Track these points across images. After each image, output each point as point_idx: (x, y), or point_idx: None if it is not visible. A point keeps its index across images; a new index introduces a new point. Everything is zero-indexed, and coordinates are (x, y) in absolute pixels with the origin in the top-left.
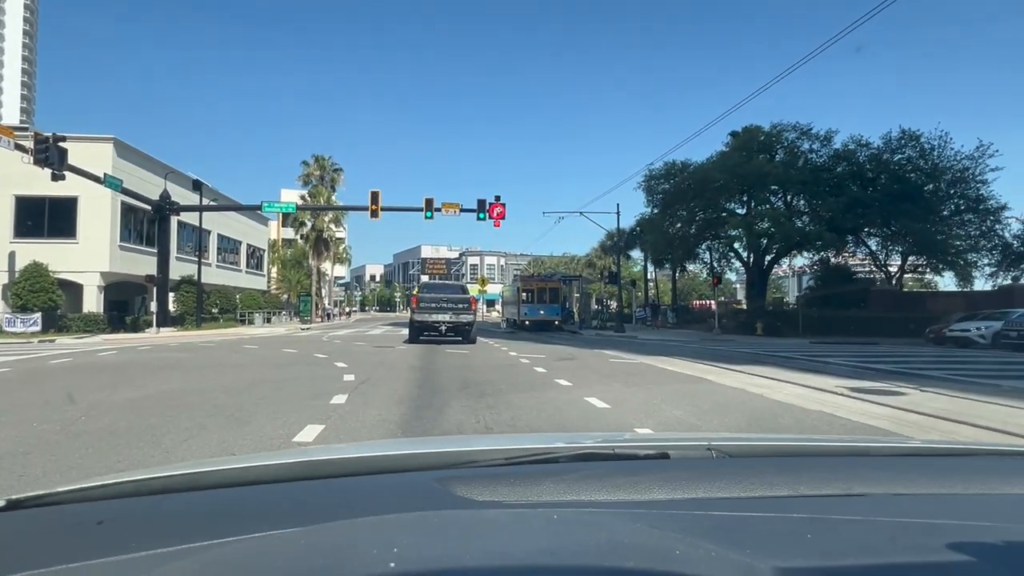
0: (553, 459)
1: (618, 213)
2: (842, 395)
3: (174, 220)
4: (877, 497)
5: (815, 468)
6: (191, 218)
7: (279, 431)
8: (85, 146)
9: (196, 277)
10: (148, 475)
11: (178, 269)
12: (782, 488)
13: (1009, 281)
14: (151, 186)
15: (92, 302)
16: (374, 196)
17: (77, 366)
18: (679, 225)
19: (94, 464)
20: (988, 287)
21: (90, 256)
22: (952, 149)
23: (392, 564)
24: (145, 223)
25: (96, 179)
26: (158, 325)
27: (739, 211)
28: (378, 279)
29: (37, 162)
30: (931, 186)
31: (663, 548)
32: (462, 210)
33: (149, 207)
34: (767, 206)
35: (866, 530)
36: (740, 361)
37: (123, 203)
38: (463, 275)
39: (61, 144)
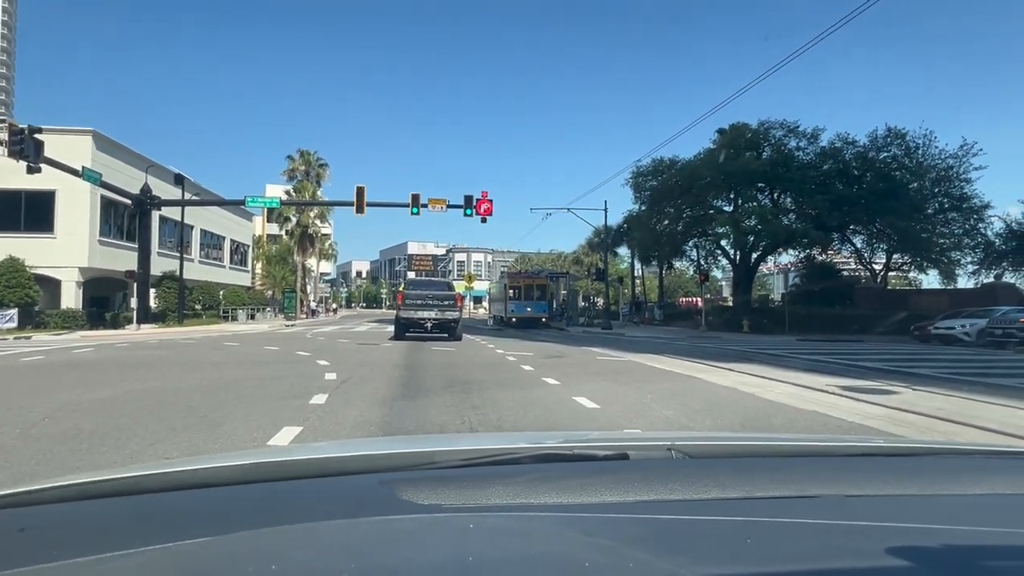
0: (512, 460)
1: (605, 210)
2: (835, 394)
3: (155, 215)
4: (830, 499)
5: (773, 469)
6: (173, 213)
7: (253, 433)
8: (63, 139)
9: (178, 273)
10: (82, 480)
11: (160, 265)
12: (735, 490)
13: (992, 279)
14: (132, 180)
15: (70, 298)
16: (360, 192)
17: (49, 364)
18: (666, 222)
19: (50, 470)
20: (971, 285)
21: (68, 251)
22: (937, 148)
23: None
24: (126, 218)
25: (74, 172)
26: (138, 322)
27: (726, 208)
28: (364, 275)
29: (11, 154)
30: (916, 184)
31: (572, 558)
32: (449, 206)
33: (129, 201)
34: (754, 203)
35: (810, 533)
36: (729, 359)
37: (103, 197)
38: (450, 272)
39: (37, 136)
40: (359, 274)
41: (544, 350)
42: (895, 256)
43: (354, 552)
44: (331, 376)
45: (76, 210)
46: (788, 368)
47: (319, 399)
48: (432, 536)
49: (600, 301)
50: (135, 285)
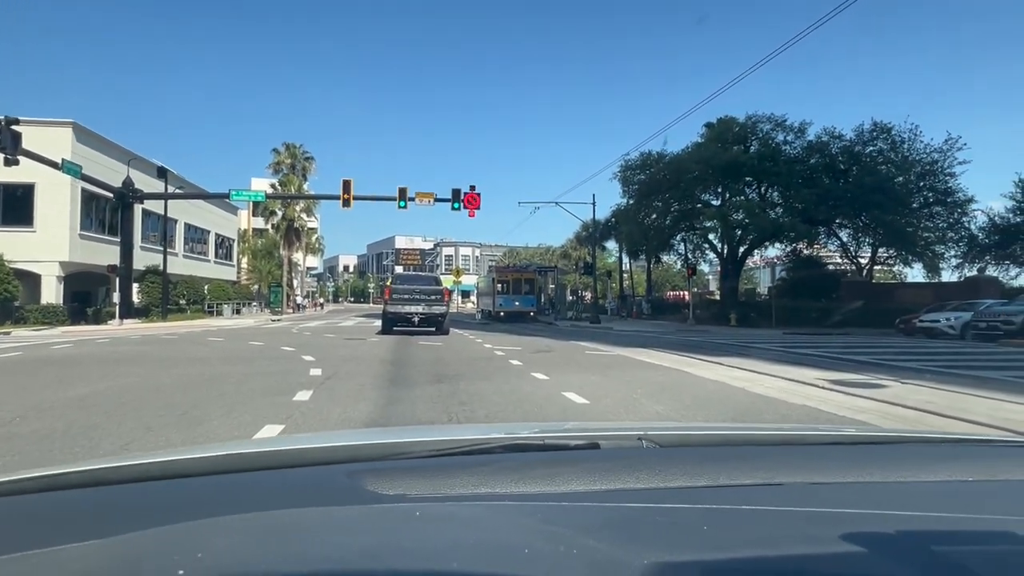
0: (483, 450)
1: (594, 204)
2: (824, 388)
3: (138, 208)
4: (795, 486)
5: (743, 457)
6: (156, 206)
7: (234, 432)
8: (42, 130)
9: (162, 267)
10: (39, 473)
11: (143, 259)
12: (701, 478)
13: (975, 272)
14: (113, 173)
15: (51, 293)
16: (346, 185)
17: (26, 360)
18: (654, 216)
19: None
20: (954, 278)
21: (49, 245)
22: (922, 142)
23: (178, 570)
24: (107, 211)
25: (53, 165)
26: (121, 317)
27: (714, 202)
28: (351, 270)
29: None
30: (901, 178)
31: (514, 545)
32: (436, 200)
33: (111, 194)
34: (742, 197)
35: (769, 520)
36: (717, 352)
37: (84, 190)
38: (438, 266)
39: (15, 127)
40: (346, 268)
41: (532, 344)
42: (880, 250)
43: (299, 539)
44: (316, 372)
45: (56, 203)
46: (776, 362)
47: (303, 396)
48: (377, 524)
49: (588, 295)
50: (117, 280)
